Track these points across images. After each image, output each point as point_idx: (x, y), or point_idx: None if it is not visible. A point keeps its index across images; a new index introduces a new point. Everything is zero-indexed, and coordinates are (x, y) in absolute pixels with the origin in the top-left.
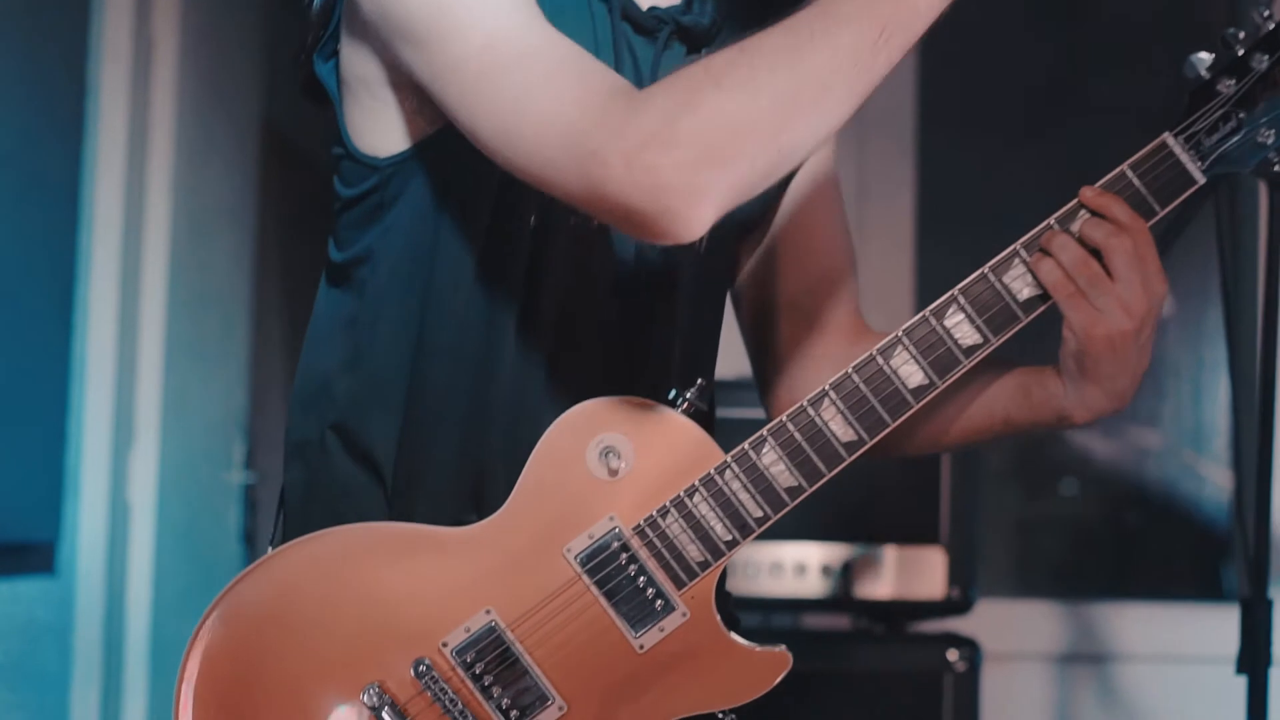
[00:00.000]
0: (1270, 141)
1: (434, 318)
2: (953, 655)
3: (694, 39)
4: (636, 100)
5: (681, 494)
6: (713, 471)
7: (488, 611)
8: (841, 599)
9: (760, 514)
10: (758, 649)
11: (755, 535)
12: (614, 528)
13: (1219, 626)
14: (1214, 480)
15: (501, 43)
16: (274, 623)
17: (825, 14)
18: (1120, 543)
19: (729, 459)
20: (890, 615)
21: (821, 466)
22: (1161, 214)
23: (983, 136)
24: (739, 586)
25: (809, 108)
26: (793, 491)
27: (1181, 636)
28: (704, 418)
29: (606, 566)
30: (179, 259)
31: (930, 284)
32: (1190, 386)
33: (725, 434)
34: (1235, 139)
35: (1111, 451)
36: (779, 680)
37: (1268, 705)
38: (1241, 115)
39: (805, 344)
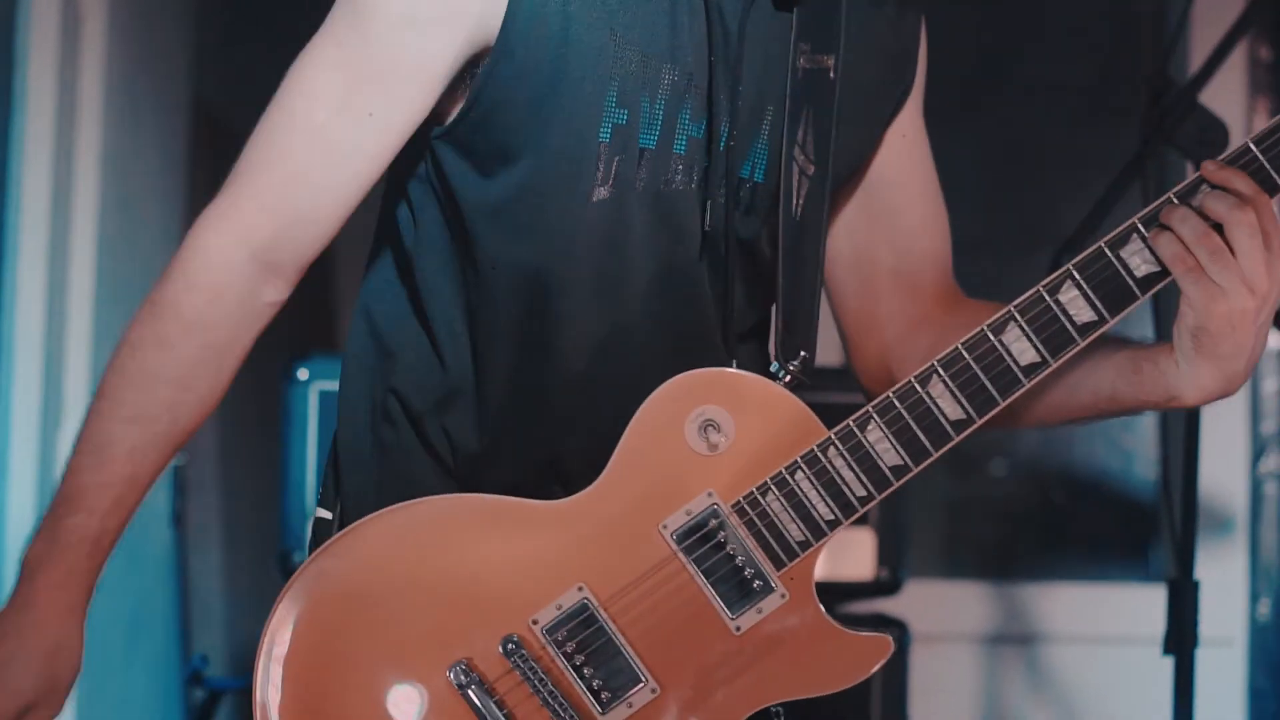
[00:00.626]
0: None
1: (492, 285)
2: None
3: None
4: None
5: (783, 470)
6: (816, 448)
7: (580, 588)
8: None
9: (864, 493)
10: (860, 634)
11: (858, 516)
12: (713, 504)
13: (1146, 607)
14: (1142, 460)
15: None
16: (359, 597)
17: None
18: (1049, 524)
19: (833, 435)
20: (820, 596)
21: (929, 445)
22: None
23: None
24: None
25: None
26: (898, 470)
27: (1109, 617)
28: (802, 392)
29: (704, 544)
30: (107, 238)
31: None
32: None
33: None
34: None
35: (1040, 432)
36: (879, 667)
37: (1194, 686)
38: None
39: (901, 306)
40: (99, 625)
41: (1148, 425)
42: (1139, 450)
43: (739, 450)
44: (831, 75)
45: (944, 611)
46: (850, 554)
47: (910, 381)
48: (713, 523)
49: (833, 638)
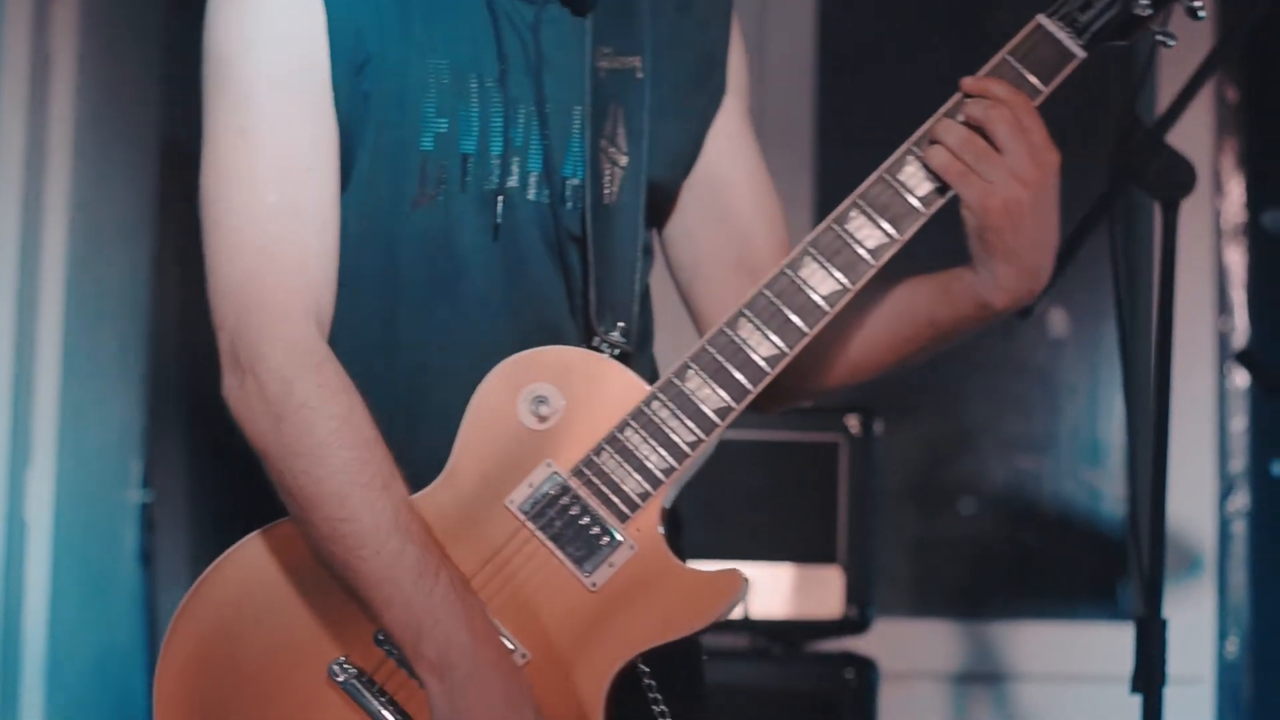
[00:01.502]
0: (1147, 13)
1: (346, 289)
2: (850, 674)
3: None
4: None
5: (614, 430)
6: (641, 404)
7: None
8: (739, 617)
9: (692, 438)
10: (710, 570)
11: (692, 461)
12: (552, 472)
13: (1115, 645)
14: (1110, 498)
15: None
16: (237, 615)
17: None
18: (1017, 562)
19: (655, 390)
20: (788, 634)
21: (746, 383)
22: (1046, 91)
23: (882, 153)
24: None
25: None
26: (722, 412)
27: (1078, 655)
28: (629, 359)
29: (549, 511)
30: (76, 275)
31: None
32: (1086, 405)
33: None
34: (1112, 12)
35: (1009, 470)
36: (736, 601)
37: None
38: None
39: (736, 295)
40: (67, 661)
41: (1115, 463)
42: (1107, 489)
43: (571, 420)
44: (639, 75)
45: (913, 650)
46: (818, 592)
47: (720, 327)
48: (555, 490)
49: (686, 579)
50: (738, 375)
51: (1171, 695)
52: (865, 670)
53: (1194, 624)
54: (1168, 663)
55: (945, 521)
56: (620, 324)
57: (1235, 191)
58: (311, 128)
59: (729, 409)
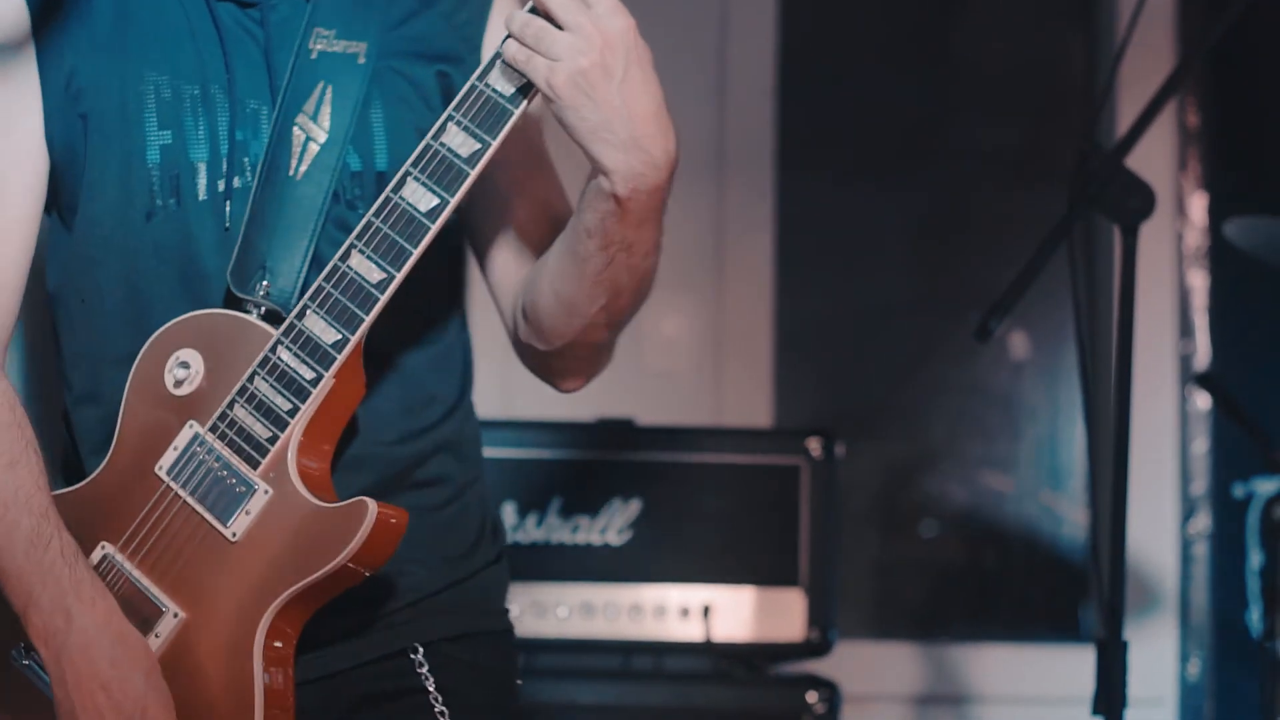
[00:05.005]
0: None
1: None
2: (812, 697)
3: None
4: None
5: (244, 381)
6: (267, 351)
7: (102, 546)
8: (702, 641)
9: (313, 374)
10: (339, 504)
11: (318, 396)
12: (194, 433)
13: (1076, 667)
14: (1071, 521)
15: None
16: None
17: None
18: (979, 584)
19: (278, 335)
20: (750, 657)
21: (358, 311)
22: None
23: (842, 179)
24: (599, 629)
25: None
26: (338, 345)
27: (1039, 678)
28: (276, 317)
29: (189, 469)
30: None
31: (789, 325)
32: (1047, 428)
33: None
34: None
35: (970, 493)
36: (365, 530)
37: None
38: None
39: (520, 270)
40: None
41: (1077, 486)
42: (1068, 511)
43: (212, 380)
44: (361, 60)
45: (874, 672)
46: (780, 615)
47: (334, 262)
48: (196, 449)
49: (320, 516)
50: (349, 304)
51: (1133, 718)
52: (827, 693)
53: (1155, 646)
54: (1129, 685)
55: (907, 544)
56: (264, 284)
57: (1197, 214)
58: (11, 149)
59: (344, 340)
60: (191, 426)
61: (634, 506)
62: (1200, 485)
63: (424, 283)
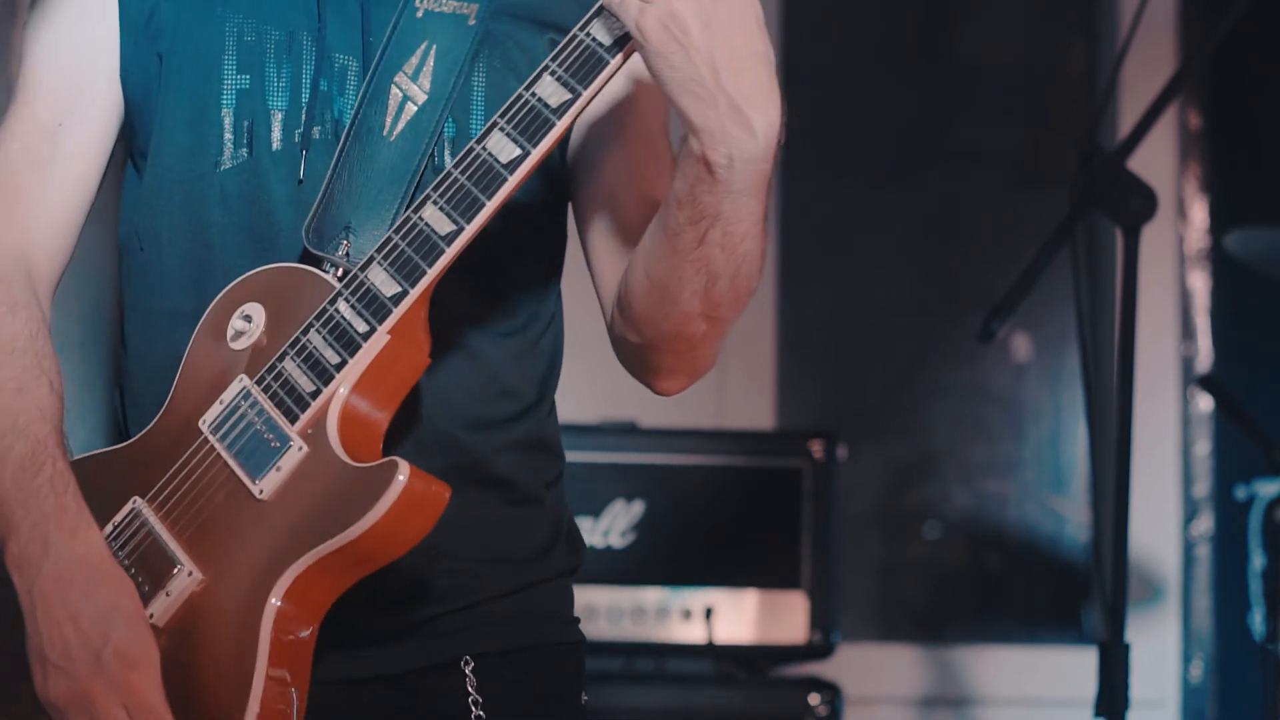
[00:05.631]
0: None
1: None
2: (815, 699)
3: None
4: None
5: (298, 334)
6: (326, 303)
7: (133, 501)
8: (704, 643)
9: (365, 328)
10: (370, 464)
11: (368, 351)
12: (242, 387)
13: (1079, 669)
14: (1074, 522)
15: None
16: None
17: None
18: (981, 586)
19: (340, 287)
20: (753, 659)
21: (420, 262)
22: None
23: (845, 181)
24: (601, 631)
25: None
26: (396, 298)
27: (1042, 679)
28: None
29: (230, 422)
30: None
31: (792, 327)
32: (1049, 430)
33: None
34: None
35: (972, 495)
36: (393, 491)
37: None
38: None
39: (620, 254)
40: None
41: (1079, 488)
42: (1071, 513)
43: (270, 334)
44: (471, 22)
45: (877, 674)
46: (783, 617)
47: (406, 213)
48: (242, 404)
49: (351, 476)
50: (415, 257)
51: (1135, 719)
52: (830, 695)
53: (1157, 648)
54: (1131, 687)
55: (909, 546)
56: (345, 244)
57: (1199, 216)
58: (80, 87)
59: (403, 293)
60: (241, 381)
61: (637, 508)
62: (1202, 487)
63: (517, 272)
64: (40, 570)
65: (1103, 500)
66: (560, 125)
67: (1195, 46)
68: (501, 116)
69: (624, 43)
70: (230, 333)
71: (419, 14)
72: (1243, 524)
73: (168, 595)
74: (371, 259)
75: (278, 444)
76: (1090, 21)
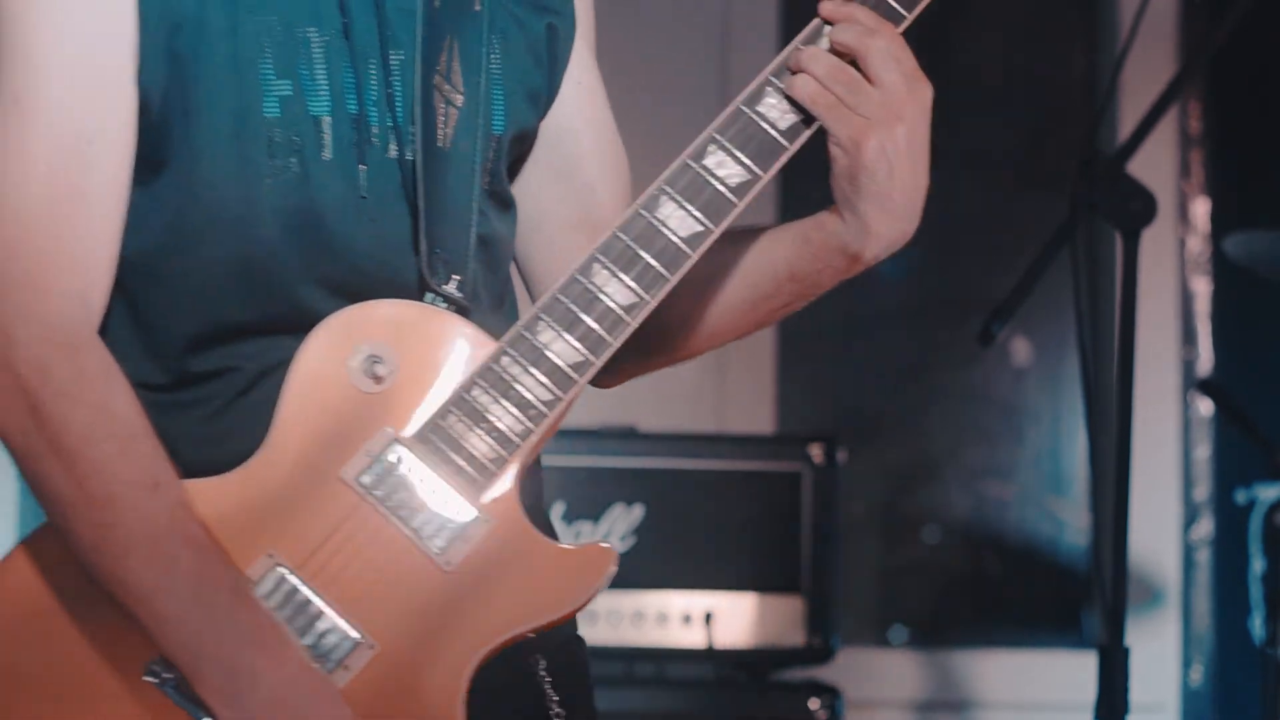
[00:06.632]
0: None
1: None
2: (814, 703)
3: None
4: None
5: (460, 390)
6: (489, 361)
7: (270, 556)
8: (704, 647)
9: (549, 396)
10: (574, 546)
11: (550, 422)
12: (394, 439)
13: (1079, 673)
14: (1073, 526)
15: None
16: (40, 613)
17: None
18: (981, 590)
19: (505, 345)
20: (752, 664)
21: (603, 334)
22: (910, 18)
23: None
24: (599, 636)
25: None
26: (579, 367)
27: (1041, 684)
28: (466, 316)
29: (392, 481)
30: None
31: (791, 331)
32: (1049, 434)
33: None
34: None
35: (972, 499)
36: (607, 579)
37: None
38: None
39: (574, 255)
40: None
41: (1079, 492)
42: (1070, 517)
43: (409, 380)
44: (477, 7)
45: (876, 679)
46: (782, 622)
47: (572, 274)
48: (397, 458)
49: (550, 555)
50: (594, 325)
51: None
52: (829, 699)
53: (1157, 652)
54: (1131, 691)
55: (909, 550)
56: (456, 277)
57: (1199, 220)
58: (103, 96)
59: (587, 363)
60: (389, 431)
61: (636, 513)
62: (1202, 491)
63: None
64: (252, 701)
65: (1103, 504)
66: (740, 206)
67: (1195, 49)
68: (669, 185)
69: (803, 128)
70: (354, 372)
71: (435, 4)
72: (1243, 528)
73: (346, 670)
74: (537, 318)
75: (461, 513)
76: (1090, 25)
